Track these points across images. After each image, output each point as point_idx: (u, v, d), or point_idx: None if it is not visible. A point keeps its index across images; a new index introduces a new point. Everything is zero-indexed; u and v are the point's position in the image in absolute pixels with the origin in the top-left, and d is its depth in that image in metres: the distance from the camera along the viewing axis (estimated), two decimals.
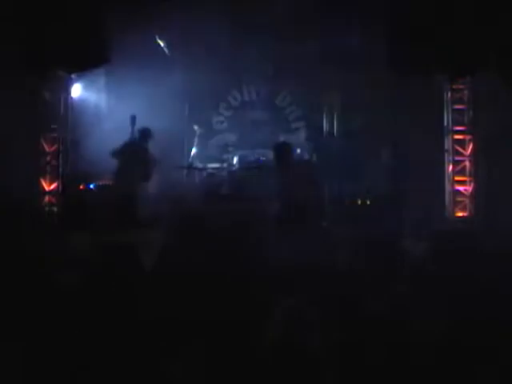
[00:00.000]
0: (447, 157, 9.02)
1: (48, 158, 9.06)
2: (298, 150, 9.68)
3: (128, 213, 7.35)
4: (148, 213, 7.36)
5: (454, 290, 3.13)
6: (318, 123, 10.35)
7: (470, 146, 8.91)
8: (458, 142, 8.98)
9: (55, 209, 8.82)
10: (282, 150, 6.92)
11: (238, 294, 3.08)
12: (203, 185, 9.01)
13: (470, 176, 8.88)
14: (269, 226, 5.82)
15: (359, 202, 8.46)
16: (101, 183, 8.71)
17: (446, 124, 9.07)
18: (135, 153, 8.10)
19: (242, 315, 2.90)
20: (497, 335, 2.69)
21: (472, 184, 8.84)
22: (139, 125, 8.34)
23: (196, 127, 9.52)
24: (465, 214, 8.80)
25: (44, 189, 9.00)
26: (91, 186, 8.72)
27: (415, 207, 8.01)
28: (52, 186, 9.03)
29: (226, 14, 8.03)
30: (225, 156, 9.81)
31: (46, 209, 8.85)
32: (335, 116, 10.27)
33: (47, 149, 9.06)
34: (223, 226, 5.37)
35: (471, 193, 8.83)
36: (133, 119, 8.11)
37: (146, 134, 8.21)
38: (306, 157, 9.45)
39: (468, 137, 8.96)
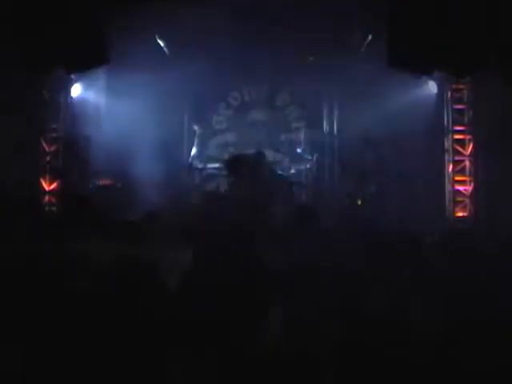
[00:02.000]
0: (447, 157, 9.03)
1: (48, 158, 9.07)
2: (299, 150, 9.71)
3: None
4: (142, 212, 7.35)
5: (454, 289, 3.13)
6: (317, 123, 10.37)
7: (470, 146, 8.91)
8: (458, 141, 8.99)
9: (55, 209, 8.83)
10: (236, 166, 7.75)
11: (238, 294, 3.08)
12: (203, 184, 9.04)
13: (470, 176, 8.88)
14: (268, 225, 5.83)
15: (359, 202, 8.47)
16: (101, 183, 8.71)
17: (446, 124, 9.08)
18: None
19: (242, 315, 2.90)
20: (496, 335, 2.69)
21: (472, 184, 8.84)
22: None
23: (196, 127, 9.53)
24: (465, 214, 8.81)
25: (44, 189, 9.00)
26: (91, 186, 8.73)
27: (415, 207, 8.01)
28: (52, 186, 9.03)
29: (227, 13, 8.02)
30: (225, 156, 9.81)
31: (46, 209, 8.85)
32: (335, 116, 10.29)
33: (47, 149, 9.07)
34: (222, 225, 5.37)
35: (471, 193, 8.84)
36: None
37: None
38: (307, 156, 9.48)
39: (468, 137, 8.97)
